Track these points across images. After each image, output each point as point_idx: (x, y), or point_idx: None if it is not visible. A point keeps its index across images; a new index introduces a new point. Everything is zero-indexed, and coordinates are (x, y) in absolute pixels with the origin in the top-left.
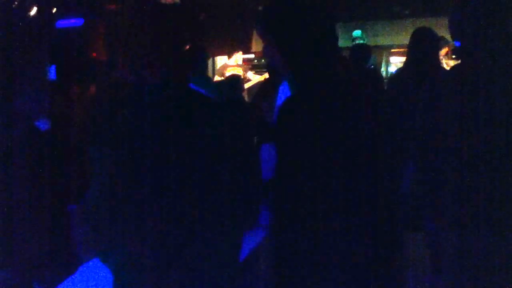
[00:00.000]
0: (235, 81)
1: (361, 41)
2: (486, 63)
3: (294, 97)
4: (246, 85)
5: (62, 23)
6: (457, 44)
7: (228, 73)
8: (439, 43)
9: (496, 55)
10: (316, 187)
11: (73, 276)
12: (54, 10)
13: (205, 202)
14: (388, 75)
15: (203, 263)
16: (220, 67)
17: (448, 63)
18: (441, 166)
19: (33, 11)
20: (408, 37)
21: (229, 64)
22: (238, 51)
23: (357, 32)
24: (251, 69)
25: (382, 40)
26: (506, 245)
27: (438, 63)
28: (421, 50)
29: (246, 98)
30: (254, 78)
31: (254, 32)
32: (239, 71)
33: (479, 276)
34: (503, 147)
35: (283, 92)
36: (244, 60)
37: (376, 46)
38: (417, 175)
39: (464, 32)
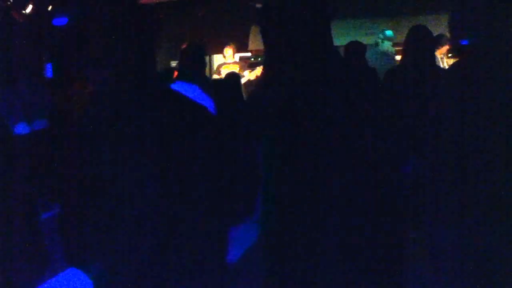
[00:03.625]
0: (233, 79)
1: (389, 42)
2: (495, 60)
3: (286, 94)
4: (242, 81)
5: (59, 21)
6: (464, 42)
7: (224, 70)
8: (437, 41)
9: (505, 52)
10: (308, 182)
11: (50, 284)
12: (50, 8)
13: (186, 201)
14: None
15: (185, 265)
16: (218, 65)
17: (448, 62)
18: (443, 164)
19: (29, 9)
20: (404, 35)
21: (226, 62)
22: (234, 50)
23: (389, 32)
24: (248, 67)
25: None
26: (505, 244)
27: (434, 61)
28: (418, 48)
29: (243, 94)
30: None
31: (251, 30)
32: (235, 69)
33: (477, 275)
34: (506, 145)
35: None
36: (241, 58)
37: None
38: (418, 172)
39: (472, 30)
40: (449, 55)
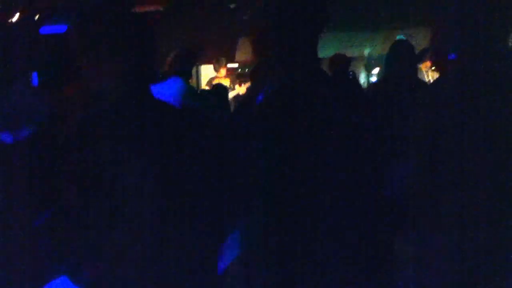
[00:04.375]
0: (220, 91)
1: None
2: (478, 74)
3: (270, 101)
4: (230, 94)
5: (46, 30)
6: (452, 57)
7: (215, 83)
8: (422, 54)
9: (493, 65)
10: (293, 194)
11: None
12: (37, 16)
13: (176, 211)
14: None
15: (176, 274)
16: (210, 78)
17: (432, 75)
18: (434, 169)
19: (16, 17)
20: (387, 48)
21: (218, 76)
22: (222, 60)
23: (400, 37)
24: (236, 78)
25: (363, 51)
26: (495, 247)
27: (416, 74)
28: (399, 62)
29: (231, 107)
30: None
31: (239, 42)
32: (227, 82)
33: (467, 277)
34: (495, 153)
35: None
36: (228, 69)
37: (358, 57)
38: (407, 178)
39: (454, 45)
40: (433, 68)
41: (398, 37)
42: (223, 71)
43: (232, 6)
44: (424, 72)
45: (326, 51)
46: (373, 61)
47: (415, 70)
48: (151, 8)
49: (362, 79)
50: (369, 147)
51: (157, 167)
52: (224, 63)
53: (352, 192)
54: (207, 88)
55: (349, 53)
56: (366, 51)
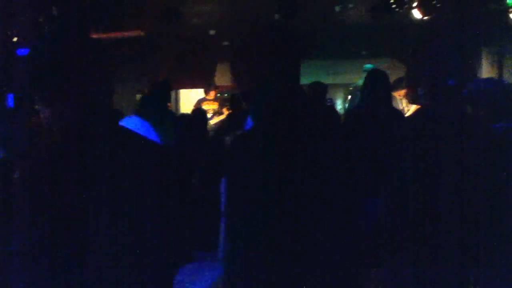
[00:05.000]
0: (199, 115)
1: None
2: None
3: (247, 132)
4: (212, 121)
5: (22, 51)
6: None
7: (204, 106)
8: (398, 83)
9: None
10: (266, 221)
11: None
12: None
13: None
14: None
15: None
16: (198, 100)
17: (406, 103)
18: (408, 203)
19: None
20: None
21: (207, 98)
22: (200, 85)
23: (368, 66)
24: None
25: (341, 78)
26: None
27: (391, 102)
28: (375, 91)
29: (211, 133)
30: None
31: (218, 67)
32: (215, 106)
33: None
34: (472, 184)
35: (249, 126)
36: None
37: (336, 84)
38: (381, 212)
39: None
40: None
41: (366, 67)
42: (212, 94)
43: (212, 32)
44: (398, 100)
45: (306, 78)
46: (351, 88)
47: (390, 98)
48: (132, 33)
49: (339, 106)
50: (342, 176)
51: (122, 192)
52: (213, 86)
53: (327, 218)
54: (191, 110)
55: (330, 80)
56: (360, 82)
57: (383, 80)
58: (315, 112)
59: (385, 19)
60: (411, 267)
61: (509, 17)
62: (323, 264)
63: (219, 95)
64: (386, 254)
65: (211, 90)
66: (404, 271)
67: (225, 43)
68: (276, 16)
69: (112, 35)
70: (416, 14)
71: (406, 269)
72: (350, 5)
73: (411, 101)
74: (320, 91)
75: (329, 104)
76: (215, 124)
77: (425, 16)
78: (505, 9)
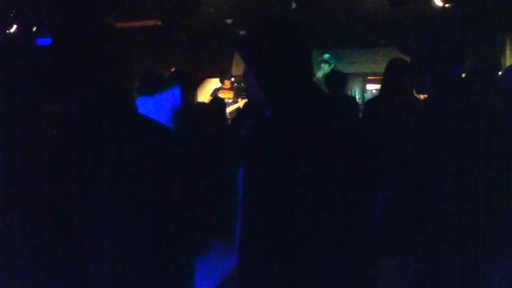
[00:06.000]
0: (217, 103)
1: (328, 65)
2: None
3: (264, 122)
4: (228, 110)
5: (42, 41)
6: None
7: (220, 95)
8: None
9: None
10: (289, 210)
11: None
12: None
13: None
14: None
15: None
16: (214, 89)
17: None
18: (418, 194)
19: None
20: (384, 65)
21: (223, 87)
22: (228, 73)
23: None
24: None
25: (358, 68)
26: (474, 273)
27: (412, 92)
28: (395, 80)
29: (228, 121)
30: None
31: (235, 56)
32: (230, 95)
33: None
34: (482, 176)
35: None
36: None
37: (353, 74)
38: (392, 203)
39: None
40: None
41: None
42: (227, 83)
43: (228, 21)
44: None
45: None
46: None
47: (409, 87)
48: (150, 23)
49: (362, 95)
50: (364, 167)
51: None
52: (229, 75)
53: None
54: (210, 98)
55: (349, 69)
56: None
57: (402, 68)
58: (332, 101)
59: (404, 7)
60: (434, 259)
61: None
62: (339, 254)
63: (235, 84)
64: (408, 245)
65: (226, 79)
66: (427, 263)
67: (242, 32)
68: (294, 4)
69: (130, 24)
70: (437, 2)
71: (429, 260)
72: None
73: (418, 91)
74: (340, 80)
75: (349, 94)
76: (231, 112)
77: (446, 3)
78: None
